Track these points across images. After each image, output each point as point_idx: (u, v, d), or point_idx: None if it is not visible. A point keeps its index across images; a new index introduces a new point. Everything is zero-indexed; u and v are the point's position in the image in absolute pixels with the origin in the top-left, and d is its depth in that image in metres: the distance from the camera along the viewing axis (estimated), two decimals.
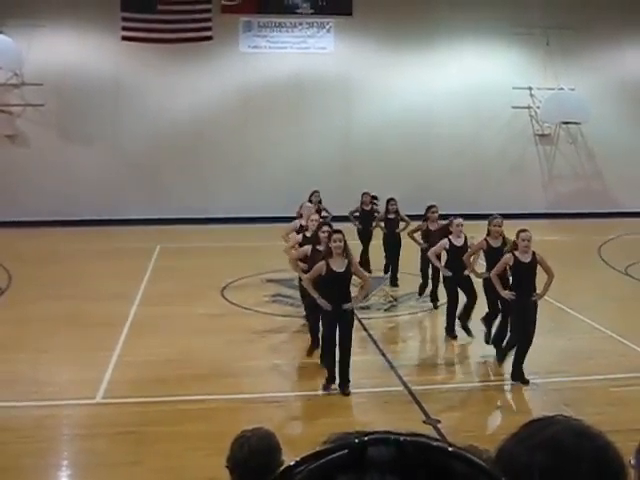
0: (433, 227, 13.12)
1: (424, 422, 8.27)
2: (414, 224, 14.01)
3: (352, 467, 0.82)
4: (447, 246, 11.48)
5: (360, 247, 15.55)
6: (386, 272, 15.18)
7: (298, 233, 11.80)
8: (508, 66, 24.76)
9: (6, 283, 15.05)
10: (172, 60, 23.19)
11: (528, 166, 25.44)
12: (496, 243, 10.53)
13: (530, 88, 24.96)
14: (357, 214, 15.89)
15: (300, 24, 24.07)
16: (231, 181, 23.68)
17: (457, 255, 11.20)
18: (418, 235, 13.58)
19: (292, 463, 0.86)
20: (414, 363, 10.72)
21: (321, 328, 9.88)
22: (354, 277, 9.47)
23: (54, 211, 22.27)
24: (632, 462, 2.60)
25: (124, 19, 22.72)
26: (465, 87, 24.27)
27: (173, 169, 23.44)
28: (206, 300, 13.75)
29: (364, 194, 16.01)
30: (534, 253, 9.55)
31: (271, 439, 4.06)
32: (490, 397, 9.47)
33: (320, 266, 9.20)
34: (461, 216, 11.78)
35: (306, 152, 23.90)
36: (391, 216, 14.95)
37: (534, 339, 9.66)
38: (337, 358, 9.32)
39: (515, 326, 9.86)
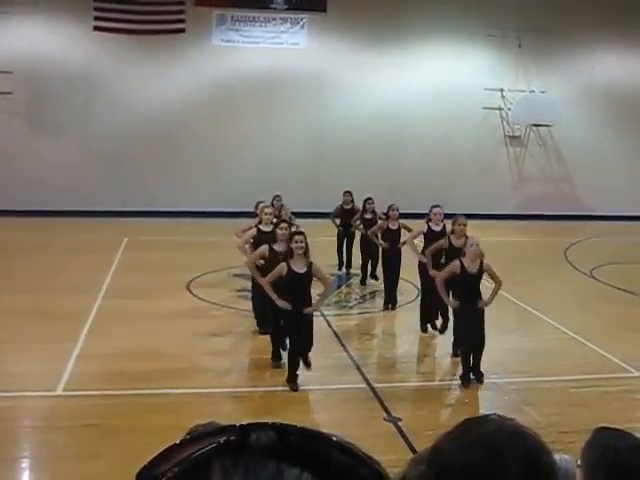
0: (393, 226, 13.13)
1: (385, 420, 8.30)
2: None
3: (230, 451, 0.83)
4: (425, 230, 11.65)
5: (334, 246, 15.57)
6: (364, 273, 15.01)
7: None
8: (480, 67, 24.88)
9: None
10: (144, 51, 23.03)
11: (498, 167, 25.60)
12: (458, 243, 10.47)
13: (501, 89, 25.12)
14: (337, 214, 15.69)
15: (274, 19, 24.02)
16: (202, 175, 23.57)
17: (435, 240, 11.19)
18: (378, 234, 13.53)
19: (172, 444, 0.86)
20: (377, 361, 10.75)
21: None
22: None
23: (21, 201, 22.05)
24: (578, 462, 2.64)
25: (96, 9, 22.51)
26: (437, 87, 24.37)
27: (143, 161, 23.31)
28: (172, 294, 13.68)
29: (345, 193, 15.81)
30: (482, 262, 9.45)
31: None
32: (452, 396, 9.52)
33: (281, 267, 9.13)
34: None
35: (277, 147, 23.87)
36: (368, 216, 14.69)
37: (495, 339, 9.73)
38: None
39: (464, 332, 9.73)
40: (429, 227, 11.70)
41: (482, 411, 8.75)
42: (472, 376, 9.60)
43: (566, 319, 12.60)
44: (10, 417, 8.31)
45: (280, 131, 24.03)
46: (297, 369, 9.34)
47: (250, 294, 12.20)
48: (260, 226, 11.34)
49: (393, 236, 13.05)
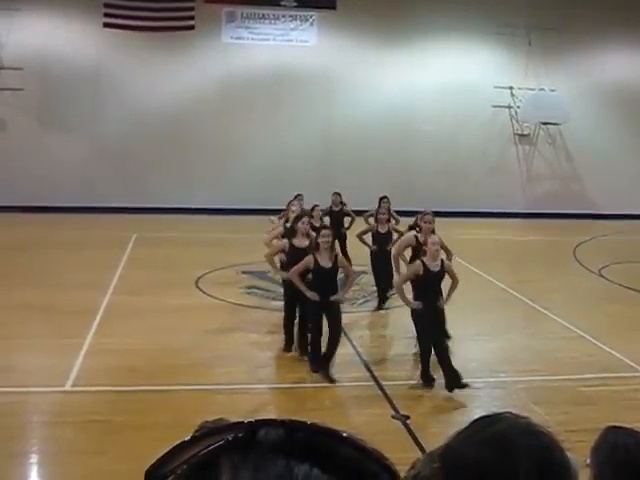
0: (383, 229, 13.01)
1: (393, 417, 8.29)
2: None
3: (239, 447, 0.83)
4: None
5: None
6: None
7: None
8: (490, 65, 24.83)
9: None
10: (154, 48, 23.06)
11: (507, 165, 25.53)
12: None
13: (511, 88, 25.05)
14: (326, 214, 15.52)
15: (283, 16, 24.02)
16: (211, 172, 23.59)
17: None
18: (368, 237, 13.23)
19: (180, 442, 0.86)
20: (385, 358, 10.74)
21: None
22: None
23: (30, 197, 22.09)
24: (587, 461, 2.62)
25: (106, 5, 22.54)
26: (446, 85, 24.32)
27: (152, 158, 23.31)
28: (180, 291, 13.69)
29: (334, 194, 15.75)
30: (442, 261, 9.28)
31: None
32: (460, 395, 9.49)
33: (308, 260, 9.34)
34: (438, 214, 11.66)
35: (286, 145, 23.86)
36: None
37: (503, 337, 9.69)
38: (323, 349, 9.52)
39: (422, 334, 9.38)
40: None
41: (490, 410, 8.70)
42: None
43: (574, 318, 12.54)
44: (18, 412, 8.33)
45: (288, 128, 24.02)
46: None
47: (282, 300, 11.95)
48: (287, 224, 11.29)
49: (382, 240, 12.93)
